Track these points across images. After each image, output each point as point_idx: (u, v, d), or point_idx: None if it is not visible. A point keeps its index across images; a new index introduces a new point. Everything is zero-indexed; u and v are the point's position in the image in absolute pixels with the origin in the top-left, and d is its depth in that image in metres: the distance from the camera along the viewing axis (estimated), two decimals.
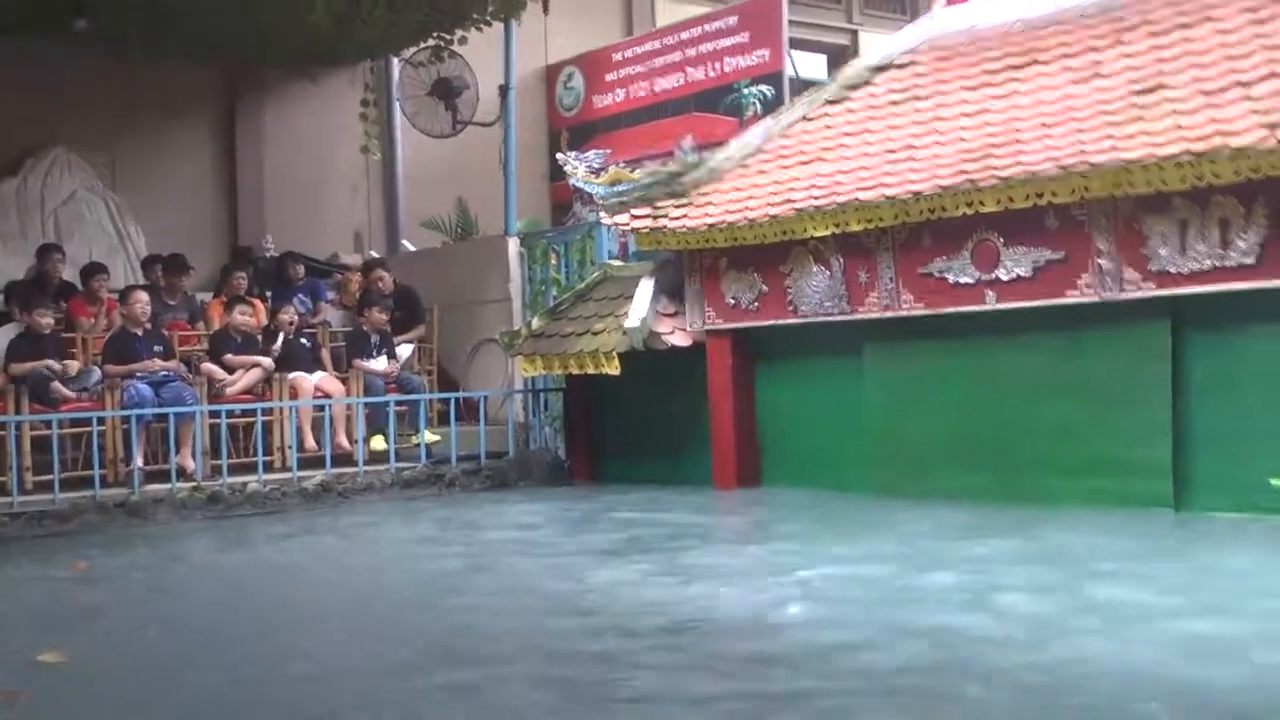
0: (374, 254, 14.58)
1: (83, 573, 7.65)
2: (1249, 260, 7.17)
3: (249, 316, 11.50)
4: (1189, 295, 7.50)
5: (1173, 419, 7.68)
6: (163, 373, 10.61)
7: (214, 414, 10.46)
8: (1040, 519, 7.64)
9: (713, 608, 5.80)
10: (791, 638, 5.15)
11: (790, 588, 6.17)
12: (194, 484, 10.10)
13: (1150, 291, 7.62)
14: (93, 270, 11.95)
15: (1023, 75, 8.88)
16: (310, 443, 10.97)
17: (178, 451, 10.17)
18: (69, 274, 12.22)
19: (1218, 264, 7.29)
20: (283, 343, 11.41)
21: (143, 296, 11.03)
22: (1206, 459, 7.57)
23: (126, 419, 10.17)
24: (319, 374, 11.48)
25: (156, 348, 10.85)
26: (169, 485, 9.95)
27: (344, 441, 11.11)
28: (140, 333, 10.82)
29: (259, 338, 11.54)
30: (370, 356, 11.76)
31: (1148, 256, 7.58)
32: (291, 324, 11.67)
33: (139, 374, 10.47)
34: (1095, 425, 8.02)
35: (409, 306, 12.89)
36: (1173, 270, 7.47)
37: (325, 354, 11.97)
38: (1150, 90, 7.80)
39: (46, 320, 10.64)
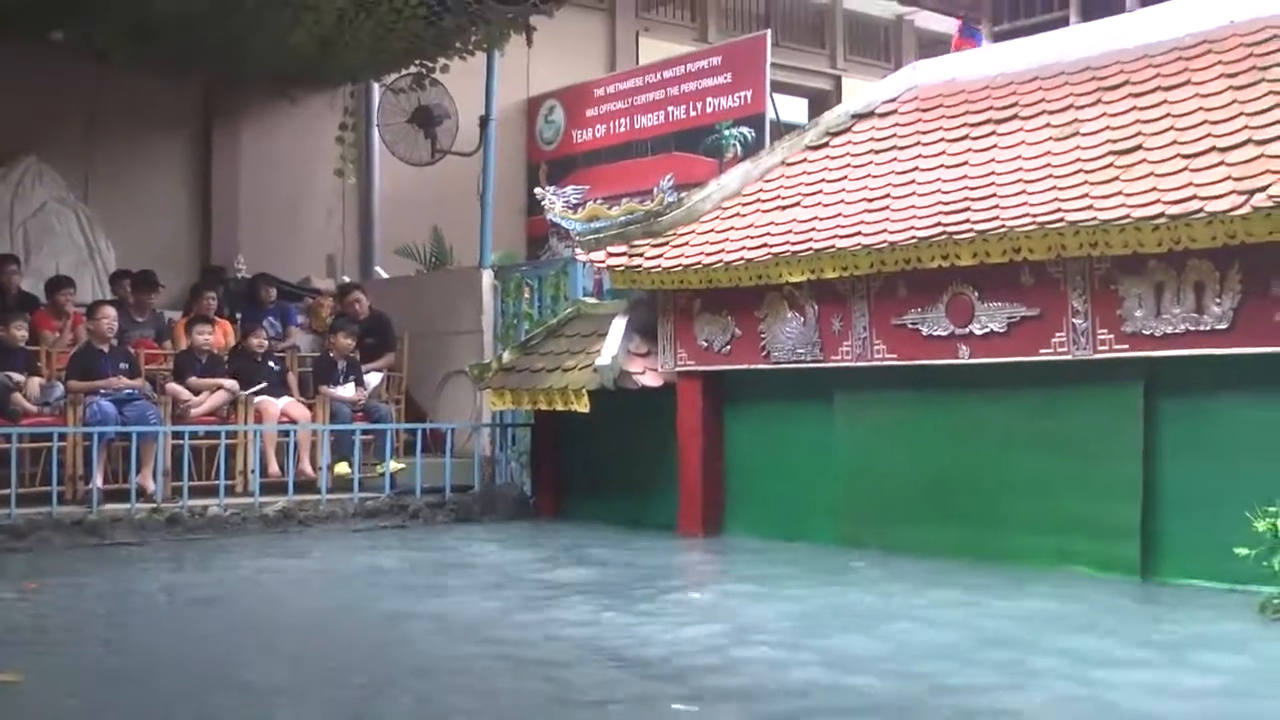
0: (346, 279, 14.50)
1: (33, 592, 7.52)
2: (1223, 325, 7.15)
3: (208, 336, 11.36)
4: (1163, 358, 7.48)
5: (1144, 481, 7.64)
6: (127, 391, 10.50)
7: (177, 435, 10.35)
8: (994, 578, 7.63)
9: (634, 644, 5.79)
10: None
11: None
12: (153, 505, 9.97)
13: (1124, 352, 7.60)
14: (59, 284, 11.84)
15: (1003, 129, 8.88)
16: (274, 468, 10.90)
17: (139, 471, 10.06)
18: (32, 286, 12.10)
19: (1192, 327, 7.27)
20: (248, 365, 11.34)
21: (110, 312, 10.93)
22: (1176, 523, 7.53)
23: (88, 436, 10.05)
24: (285, 399, 11.39)
25: (122, 365, 10.75)
26: (128, 505, 9.83)
27: (307, 467, 11.02)
28: (106, 349, 10.71)
29: (225, 359, 11.45)
30: (337, 383, 11.68)
31: (1123, 317, 7.57)
32: (261, 347, 11.58)
33: (103, 391, 10.36)
34: (1064, 484, 7.98)
35: (381, 333, 12.83)
36: (1147, 332, 7.45)
37: (292, 379, 11.87)
38: (1129, 150, 7.81)
39: (21, 333, 10.55)
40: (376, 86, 14.88)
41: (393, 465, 11.22)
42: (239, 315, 13.04)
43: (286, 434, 11.04)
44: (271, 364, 11.67)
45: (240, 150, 14.83)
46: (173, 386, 10.83)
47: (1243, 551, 6.32)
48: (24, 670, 5.28)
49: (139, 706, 4.85)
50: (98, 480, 9.89)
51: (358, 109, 15.06)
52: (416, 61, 13.81)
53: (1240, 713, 4.69)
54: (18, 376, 10.25)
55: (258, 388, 11.17)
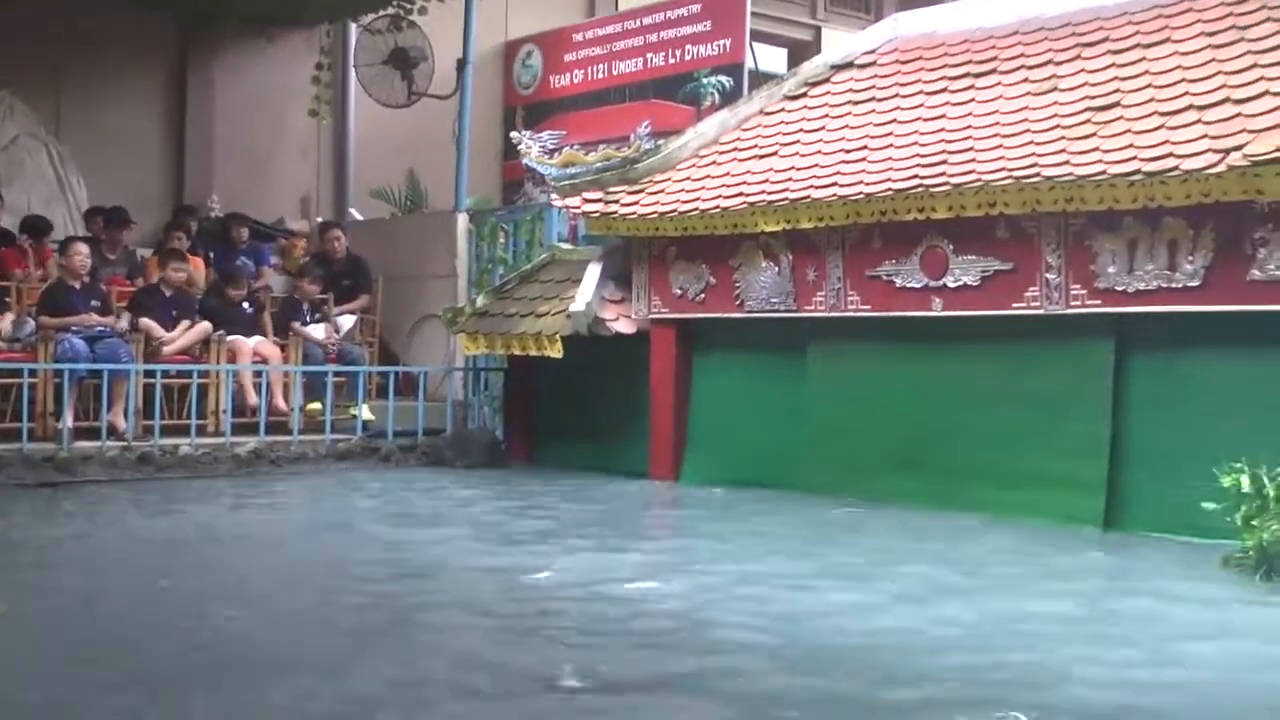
0: (320, 220, 14.43)
1: (7, 526, 7.53)
2: (1194, 283, 7.21)
3: (182, 274, 11.30)
4: (1134, 314, 7.54)
5: (1111, 436, 7.72)
6: (99, 328, 10.45)
7: (149, 373, 10.31)
8: (960, 526, 7.74)
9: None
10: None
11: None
12: (124, 443, 9.96)
13: (1096, 308, 7.65)
14: (39, 229, 11.72)
15: (982, 84, 8.89)
16: (252, 399, 10.82)
17: (110, 409, 10.02)
18: (7, 221, 11.99)
19: (1164, 285, 7.33)
20: (221, 305, 11.32)
21: (83, 249, 10.86)
22: (1141, 477, 7.62)
23: (59, 373, 10.01)
24: (257, 338, 11.35)
25: (94, 302, 10.70)
26: (99, 443, 9.81)
27: (280, 403, 10.99)
28: (78, 286, 10.66)
29: (196, 297, 11.42)
30: (303, 323, 11.68)
31: (1096, 273, 7.61)
32: (239, 298, 11.54)
33: (74, 328, 10.31)
34: (1033, 437, 8.05)
35: (356, 275, 12.81)
36: (1119, 288, 7.51)
37: (266, 318, 11.82)
38: (1107, 107, 7.83)
39: None
40: (354, 27, 14.75)
41: (365, 412, 11.22)
42: (211, 254, 12.97)
43: (260, 373, 11.01)
44: (245, 305, 11.63)
45: (215, 88, 14.67)
46: (145, 322, 10.77)
47: (1209, 506, 6.39)
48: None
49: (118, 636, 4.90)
50: (68, 418, 9.86)
51: (334, 49, 14.90)
52: (394, 2, 13.69)
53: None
54: None
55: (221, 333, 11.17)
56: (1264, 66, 7.35)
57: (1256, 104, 7.08)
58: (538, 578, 6.15)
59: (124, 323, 10.70)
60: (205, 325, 10.97)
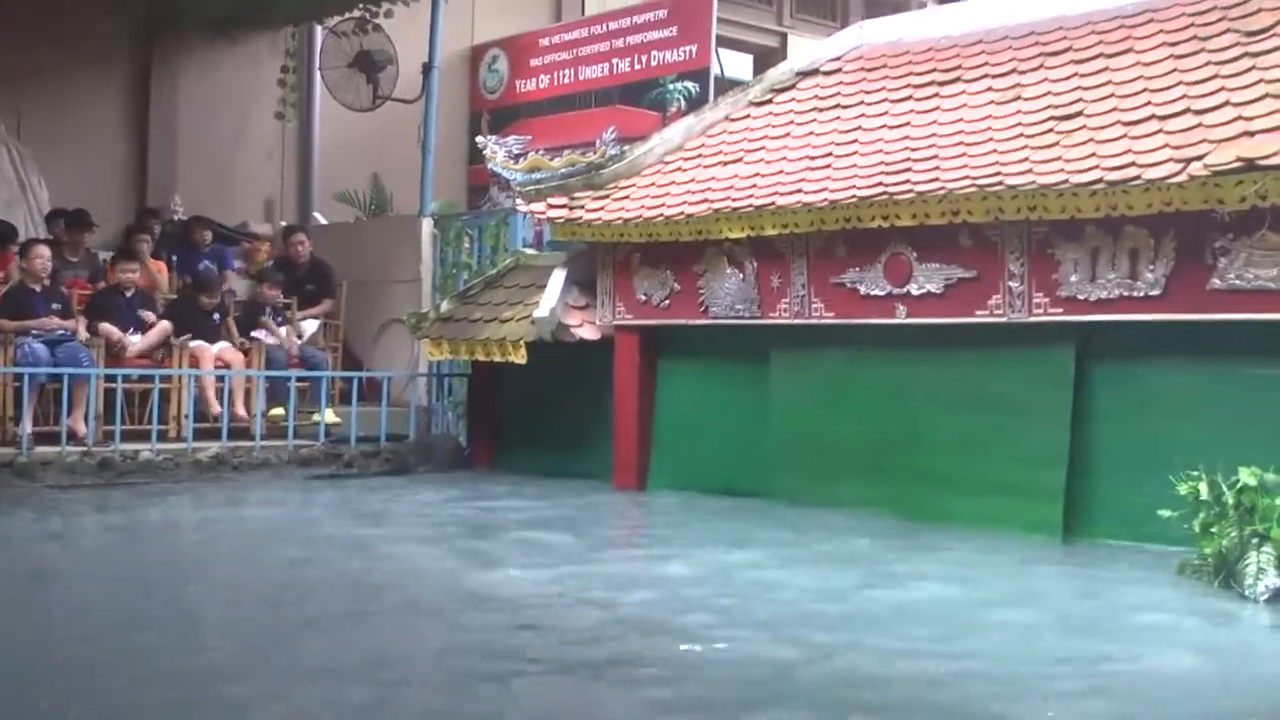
0: (284, 224, 14.36)
1: None
2: (1155, 292, 7.25)
3: (131, 275, 11.22)
4: (1096, 322, 7.57)
5: (1071, 444, 7.74)
6: (59, 331, 10.36)
7: (110, 378, 10.23)
8: (915, 533, 7.81)
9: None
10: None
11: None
12: (85, 448, 9.87)
13: (1058, 316, 7.68)
14: (9, 236, 11.62)
15: (946, 92, 8.92)
16: (215, 408, 10.75)
17: (70, 414, 9.93)
18: None
19: (1126, 293, 7.36)
20: (187, 309, 11.26)
21: (44, 251, 10.76)
22: (1100, 486, 7.65)
23: (19, 377, 9.92)
24: (221, 344, 11.27)
25: (54, 305, 10.60)
26: (59, 448, 9.72)
27: (241, 410, 10.92)
28: (39, 289, 10.56)
29: (155, 298, 11.35)
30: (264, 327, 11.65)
31: (1058, 281, 7.64)
32: (211, 304, 11.46)
33: (34, 331, 10.22)
34: (994, 445, 8.07)
35: (320, 280, 12.74)
36: (1081, 297, 7.54)
37: (231, 323, 11.74)
38: (1070, 116, 7.86)
39: None
40: (319, 29, 14.69)
41: (329, 416, 11.17)
42: (174, 257, 12.89)
43: (222, 379, 10.94)
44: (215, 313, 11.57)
45: (178, 89, 14.58)
46: (105, 327, 10.68)
47: (1166, 513, 6.42)
48: None
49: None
50: (27, 423, 9.77)
51: (299, 51, 14.84)
52: (360, 5, 13.65)
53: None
54: None
55: (187, 337, 11.09)
56: (1225, 77, 7.41)
57: (1217, 114, 7.12)
58: (486, 579, 6.21)
59: (83, 330, 10.60)
60: (165, 325, 10.89)
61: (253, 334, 11.54)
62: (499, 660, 4.68)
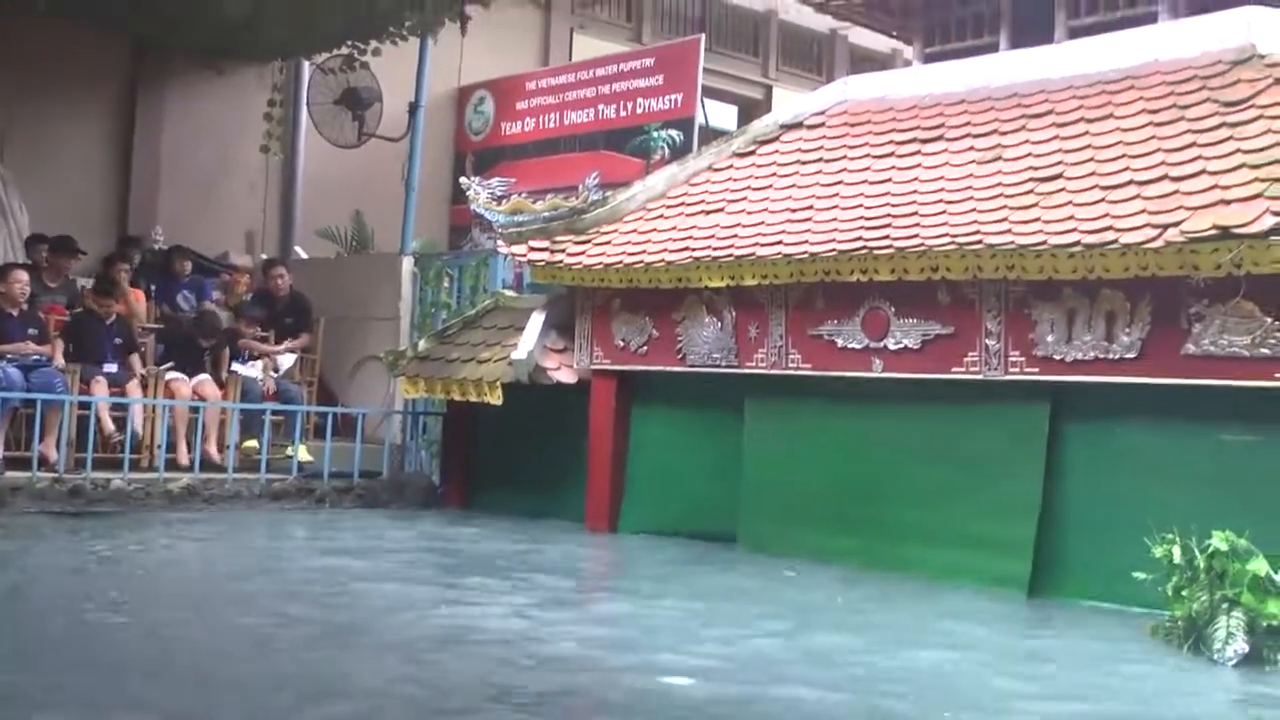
0: (264, 256, 14.37)
1: None
2: (1131, 355, 7.31)
3: (108, 307, 11.19)
4: (1071, 383, 7.62)
5: (1043, 502, 7.77)
6: (34, 357, 10.33)
7: (83, 405, 10.20)
8: (881, 586, 7.80)
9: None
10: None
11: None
12: (55, 475, 9.82)
13: (1034, 375, 7.73)
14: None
15: (928, 149, 9.00)
16: (184, 459, 10.71)
17: (42, 439, 9.89)
18: None
19: (1101, 355, 7.42)
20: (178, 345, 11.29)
21: (23, 276, 10.77)
22: (1070, 544, 7.67)
23: None
24: (200, 376, 11.24)
25: (31, 330, 10.59)
26: (29, 474, 9.67)
27: (213, 451, 10.88)
28: (15, 313, 10.54)
29: (134, 328, 11.35)
30: (243, 360, 11.62)
31: (1035, 341, 7.70)
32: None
33: (9, 356, 10.19)
34: (965, 500, 8.09)
35: (298, 314, 12.73)
36: (1058, 357, 7.60)
37: (223, 358, 11.70)
38: (1050, 179, 7.95)
39: None
40: (307, 65, 14.75)
41: (302, 453, 11.15)
42: (153, 286, 12.87)
43: (196, 410, 10.91)
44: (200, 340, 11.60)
45: (164, 119, 14.61)
46: (173, 377, 10.74)
47: (1140, 575, 6.44)
48: None
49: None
50: None
51: (286, 86, 14.90)
52: (348, 43, 13.72)
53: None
54: None
55: (166, 366, 11.09)
56: (1202, 146, 7.49)
57: (1193, 182, 7.20)
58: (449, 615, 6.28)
59: (59, 357, 10.58)
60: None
61: (232, 367, 11.52)
62: (455, 697, 4.68)
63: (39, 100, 13.66)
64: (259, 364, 11.72)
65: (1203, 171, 7.26)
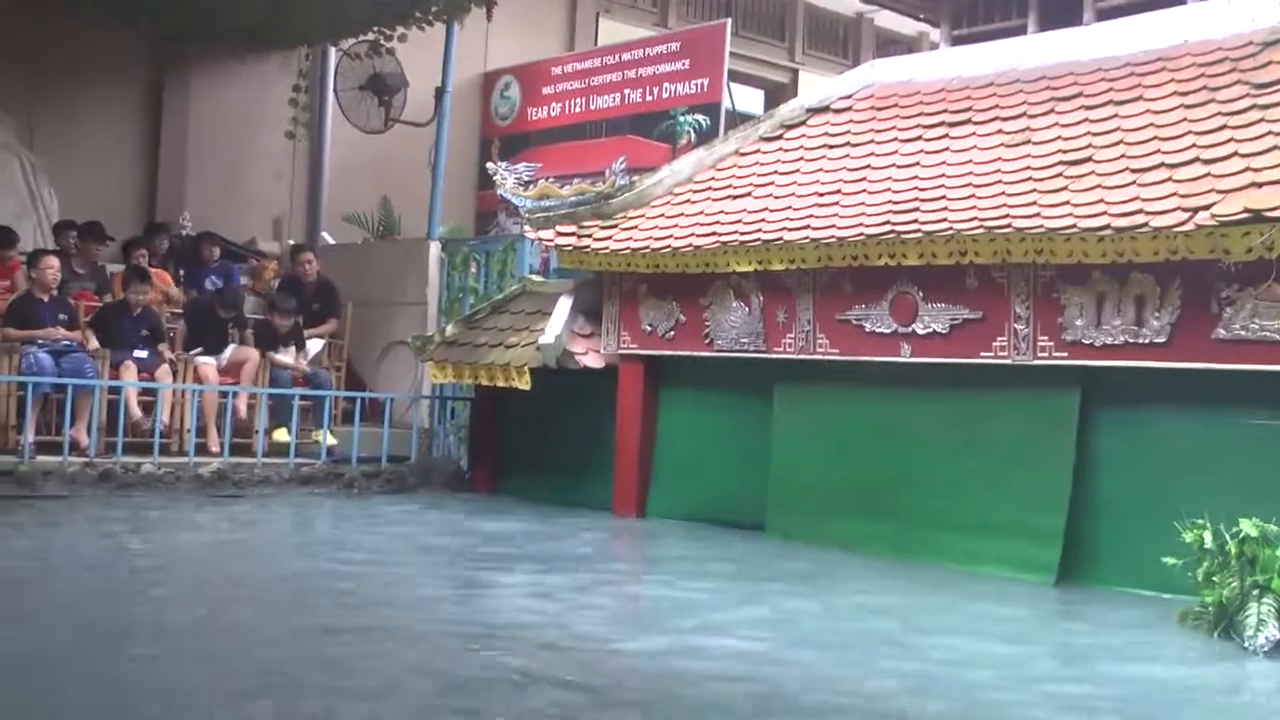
0: (292, 242, 14.41)
1: None
2: (1161, 339, 7.27)
3: (144, 295, 11.25)
4: (1101, 367, 7.59)
5: (1073, 488, 7.74)
6: (64, 342, 10.40)
7: (113, 390, 10.26)
8: (905, 573, 7.77)
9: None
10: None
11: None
12: (86, 459, 9.89)
13: (1063, 360, 7.70)
14: (7, 241, 11.64)
15: (956, 133, 8.96)
16: (214, 445, 10.76)
17: (73, 424, 9.96)
18: None
19: (1131, 340, 7.38)
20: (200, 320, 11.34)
21: (53, 262, 10.84)
22: (1099, 530, 7.65)
23: (23, 386, 9.95)
24: (231, 348, 11.31)
25: (61, 316, 10.66)
26: (60, 458, 9.74)
27: (241, 407, 10.98)
28: (46, 299, 10.60)
29: (166, 313, 11.42)
30: (278, 350, 11.67)
31: (1064, 325, 7.67)
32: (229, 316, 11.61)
33: (40, 341, 10.26)
34: (995, 486, 8.07)
35: (326, 300, 12.78)
36: (1087, 341, 7.56)
37: (248, 335, 11.78)
38: (1079, 161, 7.90)
39: None
40: (333, 51, 14.76)
41: (329, 438, 11.19)
42: (182, 272, 12.94)
43: (225, 395, 10.97)
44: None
45: (190, 105, 14.65)
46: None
47: (1170, 561, 6.41)
48: None
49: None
50: (30, 432, 9.79)
51: (312, 72, 14.92)
52: (374, 28, 13.72)
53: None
54: None
55: (196, 351, 11.16)
56: (1234, 128, 7.44)
57: (1225, 164, 7.15)
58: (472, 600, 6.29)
59: (94, 341, 10.66)
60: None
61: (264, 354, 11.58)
62: (472, 687, 4.69)
63: (68, 89, 13.73)
64: (291, 350, 11.74)
65: (1234, 154, 7.20)
